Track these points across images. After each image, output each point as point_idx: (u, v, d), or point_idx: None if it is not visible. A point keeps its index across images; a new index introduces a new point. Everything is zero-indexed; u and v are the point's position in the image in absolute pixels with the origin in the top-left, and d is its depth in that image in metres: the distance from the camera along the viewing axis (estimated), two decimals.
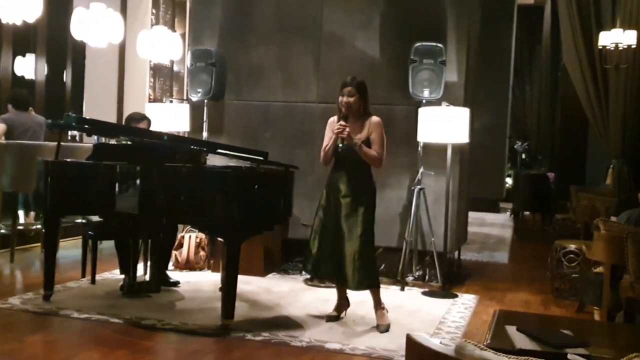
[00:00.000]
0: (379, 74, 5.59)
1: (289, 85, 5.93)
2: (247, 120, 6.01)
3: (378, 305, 3.94)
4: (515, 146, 13.72)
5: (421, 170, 5.37)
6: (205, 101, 5.93)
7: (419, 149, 5.34)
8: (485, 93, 10.08)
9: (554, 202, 9.62)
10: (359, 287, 3.82)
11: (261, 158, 3.97)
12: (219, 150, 4.19)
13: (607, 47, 7.32)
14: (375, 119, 3.83)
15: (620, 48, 7.28)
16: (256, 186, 3.66)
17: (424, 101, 5.36)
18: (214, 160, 4.91)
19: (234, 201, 3.61)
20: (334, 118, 3.87)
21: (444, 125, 5.02)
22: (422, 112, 5.14)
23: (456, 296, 4.98)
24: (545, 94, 13.37)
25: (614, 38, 7.27)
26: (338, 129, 3.69)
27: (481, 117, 9.46)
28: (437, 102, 5.26)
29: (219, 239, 4.02)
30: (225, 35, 6.10)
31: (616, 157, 7.74)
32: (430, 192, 5.47)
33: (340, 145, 3.64)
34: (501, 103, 11.67)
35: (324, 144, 3.89)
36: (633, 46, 7.31)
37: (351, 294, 4.11)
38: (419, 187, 5.29)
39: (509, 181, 12.98)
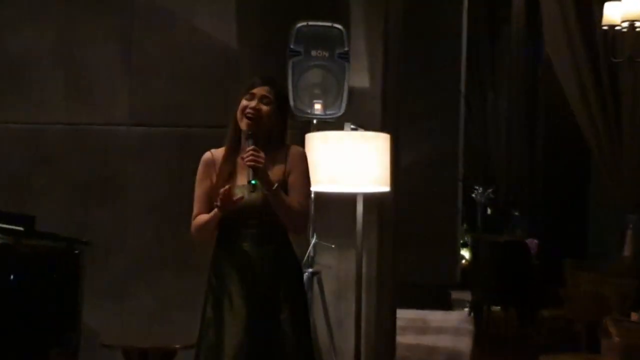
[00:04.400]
0: (235, 75, 5.65)
1: (77, 94, 5.88)
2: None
3: None
4: (473, 194, 14.10)
5: (313, 240, 5.41)
6: None
7: (310, 202, 5.38)
8: (420, 107, 10.41)
9: (537, 288, 9.94)
10: None
11: (21, 228, 3.84)
12: None
13: (617, 28, 7.35)
14: (296, 149, 3.81)
15: (638, 28, 7.33)
16: (12, 279, 3.59)
17: (314, 121, 5.46)
18: None
19: None
20: (214, 153, 3.80)
21: (350, 162, 5.08)
22: (312, 140, 5.19)
23: None
24: (518, 105, 13.94)
25: (627, 11, 7.25)
26: (249, 155, 3.61)
27: (414, 148, 9.71)
28: (336, 124, 5.36)
29: None
30: None
31: (636, 210, 7.92)
32: (331, 279, 5.53)
33: (253, 182, 3.58)
34: (448, 123, 11.97)
35: (196, 208, 3.79)
36: None
37: None
38: (310, 270, 5.30)
39: (465, 255, 13.31)
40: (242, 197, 3.58)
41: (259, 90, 3.70)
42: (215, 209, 3.61)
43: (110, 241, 5.54)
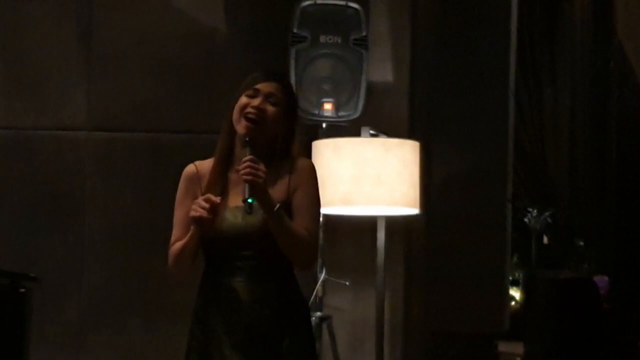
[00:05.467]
0: (221, 67, 5.71)
1: (21, 91, 5.92)
2: None
3: None
4: (526, 219, 14.08)
5: (322, 276, 5.43)
6: None
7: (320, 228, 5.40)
8: (459, 107, 10.44)
9: (608, 338, 9.93)
10: None
11: None
12: None
13: None
14: (304, 162, 3.70)
15: None
16: None
17: (323, 125, 5.50)
18: None
19: None
20: (199, 167, 3.76)
21: (368, 176, 5.12)
22: (321, 149, 5.23)
23: None
24: (584, 105, 13.98)
25: None
26: (245, 167, 3.56)
27: (451, 159, 9.73)
28: (352, 129, 5.39)
29: None
30: None
31: None
32: (345, 325, 5.56)
33: (250, 201, 3.52)
34: (494, 127, 12.00)
35: (175, 233, 3.77)
36: None
37: None
38: (318, 314, 5.32)
39: (515, 295, 13.29)
40: (221, 202, 3.54)
41: (265, 86, 3.65)
42: (192, 228, 3.55)
43: (63, 277, 5.56)
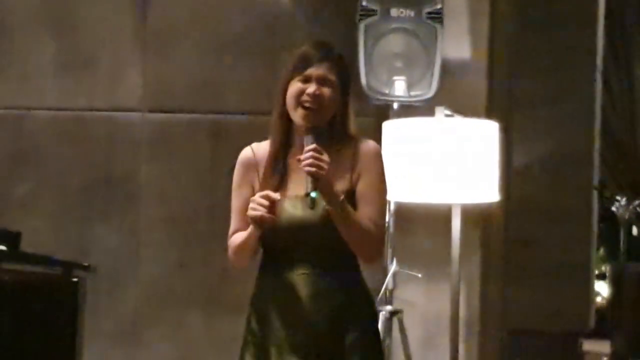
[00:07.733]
0: (284, 43, 5.61)
1: (73, 69, 5.97)
2: None
3: None
4: (614, 208, 13.96)
5: (393, 267, 5.44)
6: None
7: (387, 217, 5.38)
8: (541, 86, 10.37)
9: None
10: None
11: (4, 248, 3.94)
12: None
13: None
14: (368, 145, 3.63)
15: None
16: None
17: (394, 106, 5.49)
18: None
19: None
20: (256, 150, 3.73)
21: (443, 161, 5.12)
22: (392, 131, 5.25)
23: None
24: None
25: None
26: (308, 157, 3.52)
27: (533, 143, 9.69)
28: (425, 109, 5.37)
29: None
30: None
31: None
32: (417, 321, 5.57)
33: (313, 194, 3.48)
34: (579, 109, 11.93)
35: (234, 224, 3.75)
36: None
37: None
38: (389, 308, 5.34)
39: (602, 291, 13.19)
40: (277, 200, 3.48)
41: (316, 70, 3.58)
42: (250, 227, 3.51)
43: (117, 268, 5.62)
